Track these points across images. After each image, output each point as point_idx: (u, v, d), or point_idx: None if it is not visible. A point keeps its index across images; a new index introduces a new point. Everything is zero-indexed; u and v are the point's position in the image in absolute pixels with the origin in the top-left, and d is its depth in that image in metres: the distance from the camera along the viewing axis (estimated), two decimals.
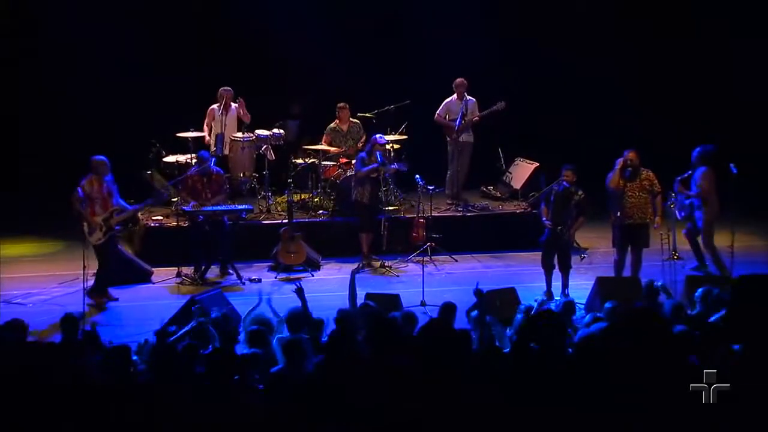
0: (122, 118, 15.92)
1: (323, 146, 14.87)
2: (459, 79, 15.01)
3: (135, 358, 7.99)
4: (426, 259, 13.56)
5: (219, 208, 13.22)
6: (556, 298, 11.91)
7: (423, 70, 16.64)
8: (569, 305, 10.00)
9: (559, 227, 12.08)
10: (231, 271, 13.30)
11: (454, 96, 15.00)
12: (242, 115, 14.89)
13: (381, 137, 13.87)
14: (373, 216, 13.79)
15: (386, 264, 13.71)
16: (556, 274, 12.31)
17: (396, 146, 14.91)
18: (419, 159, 14.81)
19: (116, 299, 12.36)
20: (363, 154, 13.80)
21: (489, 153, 15.68)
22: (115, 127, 15.82)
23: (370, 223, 13.79)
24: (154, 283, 13.19)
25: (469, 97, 14.95)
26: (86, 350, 7.98)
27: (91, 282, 12.17)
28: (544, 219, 12.26)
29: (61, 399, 6.99)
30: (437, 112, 15.05)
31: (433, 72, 16.19)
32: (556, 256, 12.22)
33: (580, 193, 12.10)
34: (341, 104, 15.00)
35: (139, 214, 13.81)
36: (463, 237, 14.49)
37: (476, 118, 14.92)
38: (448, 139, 15.04)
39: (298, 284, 9.50)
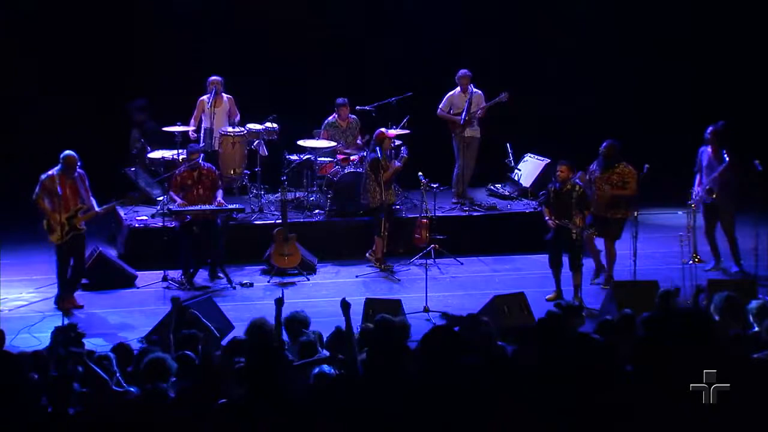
0: (103, 110, 15.88)
1: (322, 142, 14.84)
2: (462, 71, 14.96)
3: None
4: (429, 262, 13.49)
5: (208, 207, 13.18)
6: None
7: (427, 61, 16.60)
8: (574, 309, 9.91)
9: (574, 231, 12.15)
10: (221, 275, 13.27)
11: (458, 89, 14.97)
12: (230, 113, 14.87)
13: (387, 130, 13.83)
14: (386, 217, 13.74)
15: (387, 267, 13.70)
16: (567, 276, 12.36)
17: (397, 141, 14.87)
18: (423, 155, 14.81)
19: (81, 306, 12.27)
20: (374, 154, 13.70)
21: (497, 148, 15.64)
22: (96, 120, 15.78)
23: (381, 225, 13.75)
24: (138, 288, 13.16)
25: (474, 89, 14.94)
26: (69, 361, 8.00)
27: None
28: (547, 219, 12.39)
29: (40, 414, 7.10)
30: (439, 106, 15.01)
31: (436, 62, 16.17)
32: (564, 255, 12.33)
33: (577, 188, 12.25)
34: (341, 100, 14.97)
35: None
36: (468, 238, 14.47)
37: (481, 111, 14.88)
38: (453, 134, 15.02)
39: (281, 294, 9.54)
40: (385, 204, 13.72)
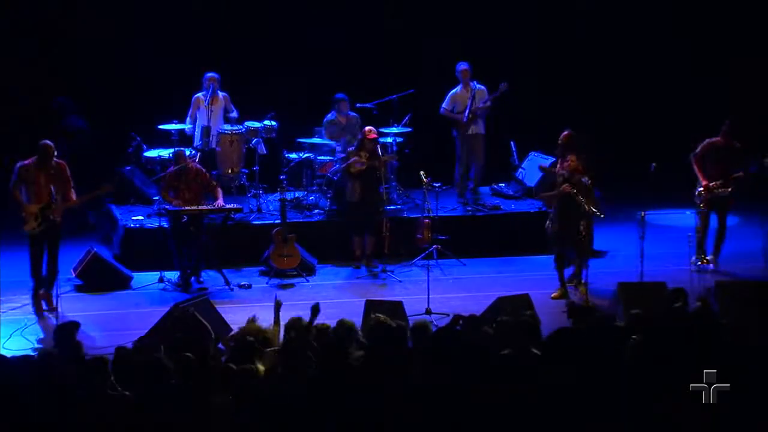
0: (99, 109, 15.89)
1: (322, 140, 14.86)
2: (461, 64, 14.89)
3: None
4: (432, 263, 13.45)
5: (206, 207, 13.15)
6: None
7: (428, 56, 16.60)
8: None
9: (582, 224, 12.21)
10: (203, 280, 13.27)
11: (460, 85, 14.92)
12: (227, 111, 14.86)
13: (371, 129, 13.81)
14: (366, 216, 13.73)
15: (388, 269, 13.69)
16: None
17: (399, 140, 14.90)
18: (425, 153, 14.80)
19: (55, 309, 12.16)
20: (351, 148, 13.83)
21: (501, 147, 15.64)
22: (92, 119, 15.80)
23: (361, 224, 13.74)
24: (133, 290, 13.16)
25: (476, 84, 14.90)
26: (65, 363, 8.04)
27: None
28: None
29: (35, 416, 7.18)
30: (442, 105, 14.96)
31: (439, 57, 16.17)
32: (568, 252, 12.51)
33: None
34: (339, 96, 14.95)
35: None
36: (472, 239, 14.47)
37: (484, 105, 14.79)
38: (457, 132, 15.01)
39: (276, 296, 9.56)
40: (355, 202, 13.65)
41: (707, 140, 13.52)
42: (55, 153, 12.21)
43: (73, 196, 12.36)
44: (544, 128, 14.46)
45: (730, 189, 13.33)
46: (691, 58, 17.39)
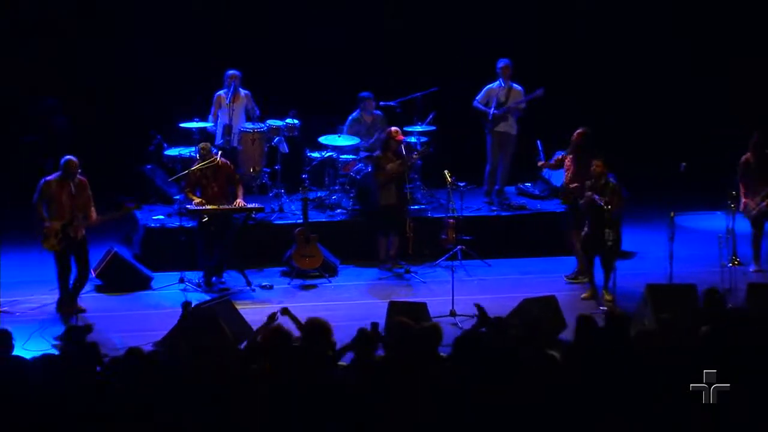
0: (119, 106, 15.91)
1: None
2: (502, 61, 14.80)
3: None
4: (456, 264, 13.44)
5: (227, 207, 13.15)
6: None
7: (456, 53, 16.57)
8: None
9: (607, 231, 12.21)
10: (224, 278, 13.30)
11: (498, 81, 14.82)
12: (250, 109, 14.88)
13: (397, 130, 13.79)
14: (396, 218, 13.70)
15: (412, 270, 13.67)
16: None
17: (423, 139, 14.85)
18: (450, 152, 14.74)
19: (84, 310, 12.27)
20: (377, 152, 13.82)
21: (527, 146, 15.55)
22: (113, 116, 15.81)
23: (391, 225, 13.72)
24: (154, 290, 13.19)
25: (514, 84, 14.82)
26: (85, 364, 8.06)
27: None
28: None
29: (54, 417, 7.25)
30: (476, 97, 14.89)
31: (467, 54, 16.15)
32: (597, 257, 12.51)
33: (611, 184, 12.34)
34: (365, 94, 14.93)
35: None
36: (497, 239, 14.43)
37: (516, 106, 14.74)
38: (486, 130, 14.93)
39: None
40: (392, 205, 13.61)
41: (742, 158, 13.52)
42: (79, 170, 12.18)
43: (94, 215, 12.32)
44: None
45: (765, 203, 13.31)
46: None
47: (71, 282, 12.27)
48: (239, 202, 13.19)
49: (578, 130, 13.01)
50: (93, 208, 12.30)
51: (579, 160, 12.93)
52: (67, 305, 12.19)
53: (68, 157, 12.16)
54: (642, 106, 17.36)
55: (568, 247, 13.45)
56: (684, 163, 12.65)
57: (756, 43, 17.27)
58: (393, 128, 13.81)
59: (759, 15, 17.27)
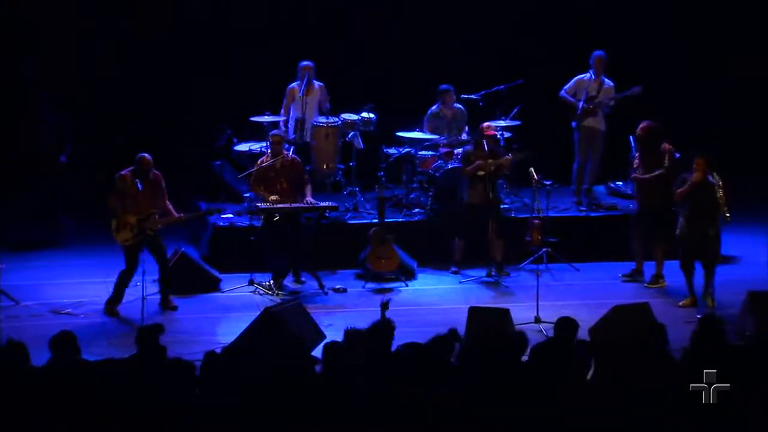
0: (188, 101, 15.94)
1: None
2: (597, 52, 14.63)
3: None
4: (541, 267, 13.28)
5: (299, 205, 13.11)
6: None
7: (541, 44, 16.46)
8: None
9: (711, 230, 12.19)
10: (303, 279, 13.32)
11: (590, 73, 14.64)
12: (321, 102, 14.80)
13: (489, 125, 13.67)
14: (482, 219, 13.43)
15: (494, 274, 13.52)
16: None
17: (507, 134, 14.71)
18: (535, 148, 14.47)
19: (176, 307, 12.37)
20: (468, 147, 13.69)
21: (618, 142, 15.30)
22: (181, 111, 15.83)
23: (471, 226, 13.51)
24: (222, 292, 13.18)
25: (605, 78, 14.63)
26: (152, 368, 8.15)
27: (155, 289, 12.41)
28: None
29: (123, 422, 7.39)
30: (564, 87, 14.76)
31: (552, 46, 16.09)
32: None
33: (713, 185, 12.15)
34: (444, 87, 14.82)
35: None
36: (586, 241, 14.29)
37: (605, 101, 14.53)
38: (574, 124, 14.68)
39: (386, 298, 9.43)
40: (476, 204, 13.41)
41: None
42: (153, 166, 12.39)
43: (173, 212, 12.56)
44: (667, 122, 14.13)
45: None
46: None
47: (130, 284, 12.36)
48: (308, 200, 13.09)
49: (642, 124, 12.91)
50: (169, 204, 12.53)
51: (645, 157, 12.84)
52: (114, 305, 12.33)
53: (141, 154, 12.41)
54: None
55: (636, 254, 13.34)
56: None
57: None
58: (485, 123, 13.72)
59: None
